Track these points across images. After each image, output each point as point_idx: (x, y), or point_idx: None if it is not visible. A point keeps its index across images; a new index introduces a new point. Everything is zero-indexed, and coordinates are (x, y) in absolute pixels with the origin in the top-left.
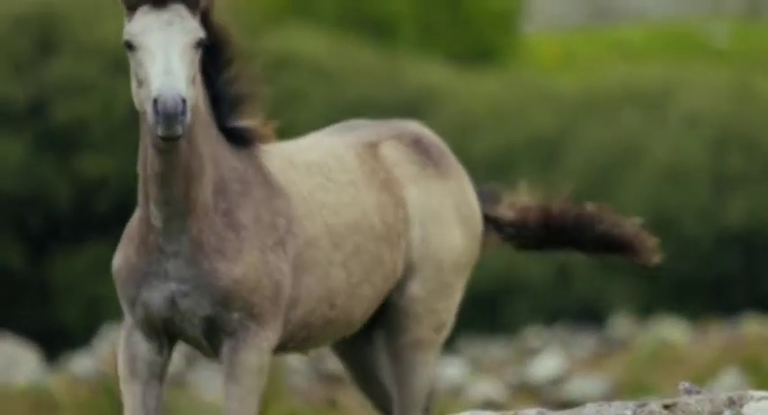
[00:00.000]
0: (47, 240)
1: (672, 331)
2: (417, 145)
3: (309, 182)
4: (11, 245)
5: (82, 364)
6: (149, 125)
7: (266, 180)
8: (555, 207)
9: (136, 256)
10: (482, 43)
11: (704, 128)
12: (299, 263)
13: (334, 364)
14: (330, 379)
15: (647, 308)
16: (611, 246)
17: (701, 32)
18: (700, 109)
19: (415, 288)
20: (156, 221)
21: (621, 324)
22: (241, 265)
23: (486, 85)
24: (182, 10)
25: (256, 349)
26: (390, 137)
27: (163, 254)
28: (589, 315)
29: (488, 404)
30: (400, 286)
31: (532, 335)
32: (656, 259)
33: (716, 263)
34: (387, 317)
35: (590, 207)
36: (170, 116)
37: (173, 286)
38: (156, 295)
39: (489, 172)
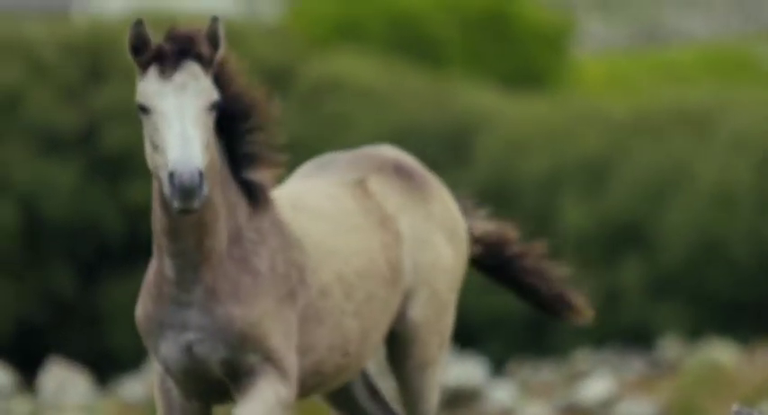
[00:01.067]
0: (97, 265)
1: (721, 353)
2: (399, 172)
3: (319, 230)
4: (62, 271)
5: (131, 388)
6: (165, 196)
7: (282, 230)
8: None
9: (153, 307)
10: (530, 66)
11: (752, 149)
12: (310, 313)
13: (382, 383)
14: None
15: (695, 330)
16: (538, 301)
17: (748, 54)
18: (747, 130)
19: (415, 314)
20: (170, 272)
21: (670, 347)
22: (256, 309)
23: (535, 108)
24: (195, 68)
25: (273, 389)
26: (373, 171)
27: (177, 305)
28: (638, 338)
29: None
30: (398, 313)
31: (581, 358)
32: (583, 318)
33: (764, 285)
34: (390, 344)
35: (529, 249)
36: (187, 191)
37: (189, 335)
38: (173, 347)
39: (538, 195)
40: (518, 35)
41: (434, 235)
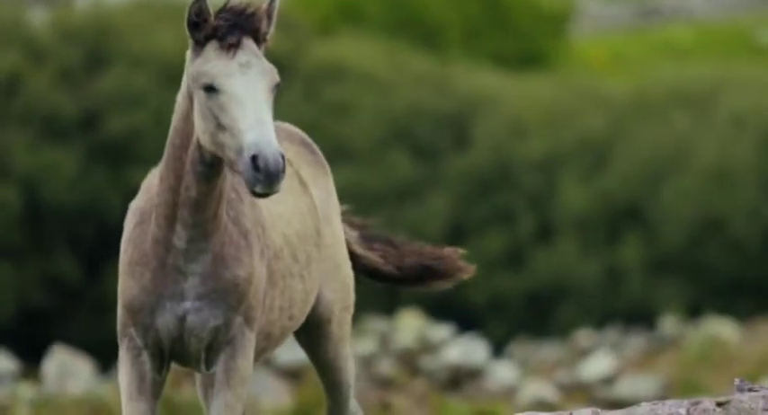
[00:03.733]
0: (100, 252)
1: (721, 329)
2: (305, 144)
3: None
4: (65, 257)
5: None
6: (245, 179)
7: (244, 189)
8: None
9: (153, 281)
10: (530, 47)
11: (752, 127)
12: (268, 274)
13: (387, 368)
14: (384, 383)
15: (696, 308)
16: (421, 277)
17: (748, 31)
18: (747, 108)
19: (328, 293)
20: (180, 242)
21: (671, 324)
22: (250, 268)
23: (536, 89)
24: (252, 46)
25: (249, 357)
26: (284, 139)
27: (180, 275)
28: (639, 316)
29: (540, 405)
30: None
31: (583, 336)
32: (466, 273)
33: (764, 262)
34: (307, 327)
35: (392, 238)
36: (272, 175)
37: (187, 304)
38: (169, 317)
39: (539, 176)
40: (517, 16)
41: (332, 211)
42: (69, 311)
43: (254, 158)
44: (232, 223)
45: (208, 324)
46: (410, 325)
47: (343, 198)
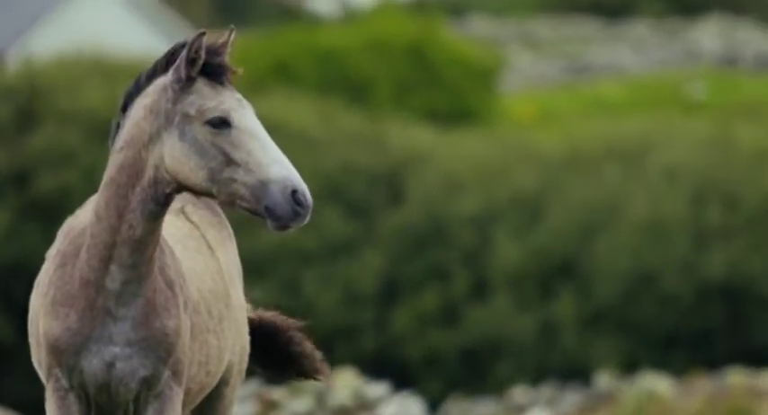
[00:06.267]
0: None
1: (657, 384)
2: (210, 207)
3: (177, 249)
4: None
5: None
6: (278, 214)
7: (164, 240)
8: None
9: (79, 322)
10: (460, 102)
11: (684, 181)
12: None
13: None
14: None
15: (631, 362)
16: (277, 367)
17: (678, 86)
18: (679, 162)
19: (231, 356)
20: (114, 284)
21: (606, 380)
22: (178, 319)
23: (469, 146)
24: (229, 85)
25: (177, 412)
26: (189, 202)
27: (110, 317)
28: (574, 372)
29: None
30: None
31: (519, 393)
32: (322, 375)
33: (698, 316)
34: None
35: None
36: (310, 208)
37: (116, 350)
38: (96, 362)
39: (473, 232)
40: (446, 71)
41: (235, 274)
42: (3, 370)
43: (294, 193)
44: (158, 272)
45: (137, 374)
46: (346, 383)
47: (278, 255)
